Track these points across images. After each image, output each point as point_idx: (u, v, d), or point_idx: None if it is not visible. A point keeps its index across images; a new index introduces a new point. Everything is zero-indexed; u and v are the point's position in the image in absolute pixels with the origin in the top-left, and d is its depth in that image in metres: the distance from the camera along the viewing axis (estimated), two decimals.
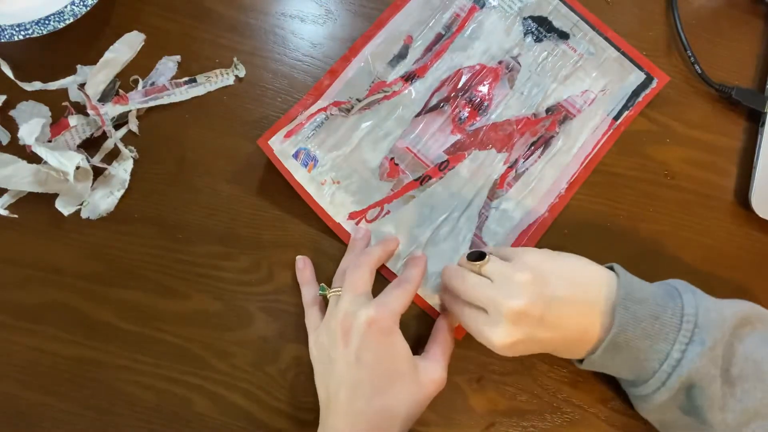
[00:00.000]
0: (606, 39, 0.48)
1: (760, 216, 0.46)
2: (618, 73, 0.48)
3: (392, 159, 0.46)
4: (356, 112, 0.46)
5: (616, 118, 0.47)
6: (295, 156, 0.45)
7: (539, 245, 0.45)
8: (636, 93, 0.48)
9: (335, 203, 0.45)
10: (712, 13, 0.51)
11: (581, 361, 0.39)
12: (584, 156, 0.47)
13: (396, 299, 0.38)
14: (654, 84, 0.48)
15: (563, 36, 0.48)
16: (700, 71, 0.49)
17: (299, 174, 0.44)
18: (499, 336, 0.36)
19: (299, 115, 0.45)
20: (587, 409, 0.43)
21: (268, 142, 0.44)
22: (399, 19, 0.48)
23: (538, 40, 0.48)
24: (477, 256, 0.39)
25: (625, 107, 0.47)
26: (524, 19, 0.48)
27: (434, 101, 0.47)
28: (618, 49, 0.48)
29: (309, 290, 0.43)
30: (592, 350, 0.37)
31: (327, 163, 0.45)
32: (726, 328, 0.35)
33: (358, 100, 0.46)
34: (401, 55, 0.47)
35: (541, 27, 0.48)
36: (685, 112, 0.49)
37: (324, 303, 0.42)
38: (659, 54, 0.49)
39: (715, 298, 0.37)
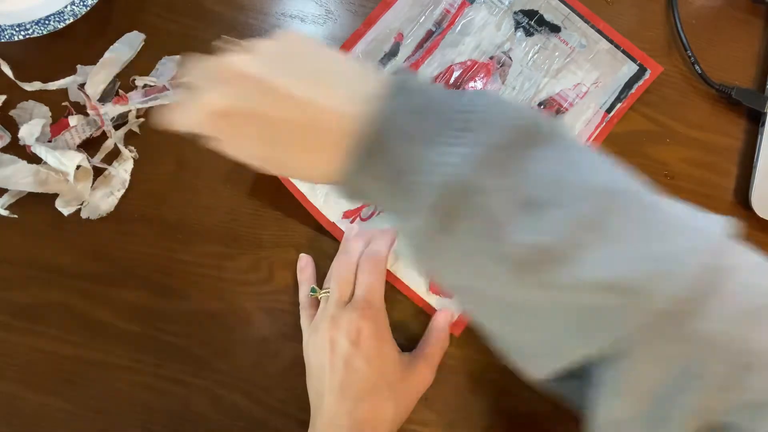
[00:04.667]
0: (598, 31, 0.48)
1: (760, 216, 0.46)
2: (610, 65, 0.48)
3: None
4: None
5: (608, 110, 0.47)
6: None
7: None
8: (629, 85, 0.47)
9: (329, 202, 0.45)
10: (712, 13, 0.51)
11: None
12: None
13: (374, 291, 0.39)
14: (647, 75, 0.47)
15: (554, 29, 0.48)
16: (700, 71, 0.49)
17: None
18: (203, 99, 0.28)
19: None
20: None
21: None
22: (389, 16, 0.48)
23: (529, 34, 0.48)
24: None
25: (617, 99, 0.47)
26: (515, 13, 0.48)
27: None
28: (610, 41, 0.48)
29: (306, 290, 0.43)
30: (342, 156, 0.26)
31: None
32: (508, 129, 0.25)
33: None
34: (392, 53, 0.47)
35: (532, 21, 0.48)
36: (685, 112, 0.49)
37: (318, 303, 0.42)
38: (659, 54, 0.49)
39: (516, 102, 0.27)
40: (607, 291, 0.23)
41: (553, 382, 0.29)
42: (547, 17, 0.48)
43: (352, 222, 0.44)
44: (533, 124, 0.25)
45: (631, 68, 0.48)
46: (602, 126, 0.47)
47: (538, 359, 0.28)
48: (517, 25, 0.48)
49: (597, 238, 0.24)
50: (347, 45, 0.47)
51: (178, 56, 0.47)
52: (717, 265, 0.24)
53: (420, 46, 0.48)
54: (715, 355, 0.23)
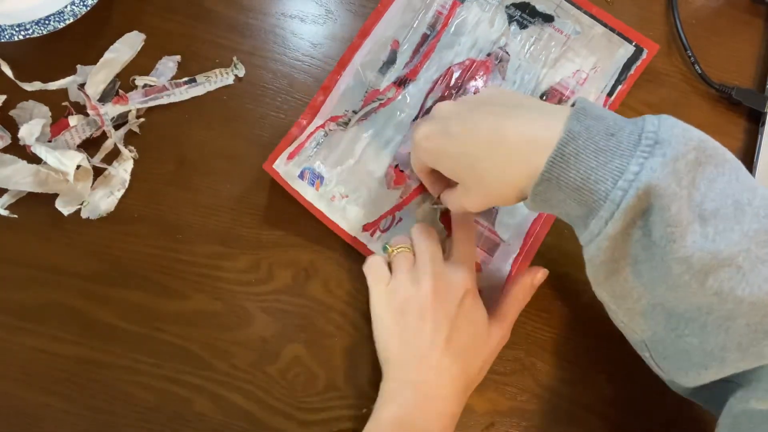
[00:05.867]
0: (591, 16, 0.48)
1: None
2: (607, 49, 0.48)
3: (396, 166, 0.45)
4: (354, 124, 0.46)
5: (609, 94, 0.47)
6: (301, 176, 0.45)
7: (552, 232, 0.45)
8: (627, 66, 0.47)
9: (348, 218, 0.44)
10: (712, 13, 0.51)
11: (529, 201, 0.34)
12: None
13: (473, 256, 0.42)
14: (644, 55, 0.47)
15: (548, 19, 0.48)
16: (700, 71, 0.49)
17: (308, 193, 0.44)
18: (418, 129, 0.37)
19: (299, 136, 0.45)
20: (588, 410, 0.43)
21: (273, 166, 0.44)
22: (383, 25, 0.48)
23: (523, 26, 0.48)
24: None
25: (617, 82, 0.47)
26: (507, 7, 0.48)
27: (429, 103, 0.46)
28: (605, 24, 0.48)
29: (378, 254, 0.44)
30: (535, 170, 0.31)
31: (333, 179, 0.45)
32: (691, 145, 0.28)
33: (355, 112, 0.46)
34: (390, 61, 0.47)
35: (525, 13, 0.48)
36: (685, 112, 0.49)
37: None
38: (659, 54, 0.49)
39: (690, 126, 0.31)
40: None
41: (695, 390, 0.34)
42: (539, 8, 0.48)
43: (372, 235, 0.44)
44: (708, 144, 0.29)
45: (627, 50, 0.47)
46: None
47: (695, 371, 0.31)
48: (510, 19, 0.48)
49: None
50: (345, 58, 0.47)
51: (178, 56, 0.47)
52: None
53: (417, 51, 0.47)
54: None
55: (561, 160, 0.30)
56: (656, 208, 0.28)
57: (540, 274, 0.42)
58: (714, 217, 0.28)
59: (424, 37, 0.48)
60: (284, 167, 0.44)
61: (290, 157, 0.45)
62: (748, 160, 0.48)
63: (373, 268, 0.42)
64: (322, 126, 0.45)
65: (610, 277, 0.31)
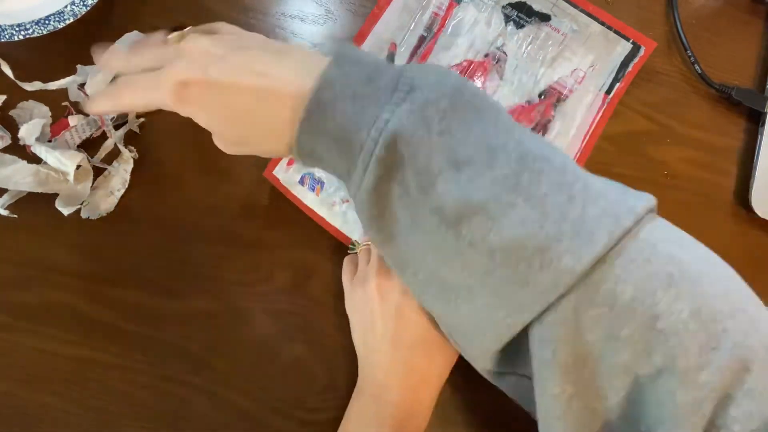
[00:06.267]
0: (588, 14, 0.48)
1: (760, 216, 0.46)
2: (604, 47, 0.47)
3: None
4: None
5: (608, 92, 0.47)
6: (301, 182, 0.45)
7: None
8: (625, 64, 0.47)
9: (348, 222, 0.44)
10: (712, 13, 0.51)
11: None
12: (582, 135, 0.46)
13: None
14: (641, 52, 0.47)
15: (544, 18, 0.48)
16: (700, 71, 0.49)
17: (308, 199, 0.44)
18: (169, 70, 0.30)
19: None
20: None
21: (273, 173, 0.44)
22: (380, 27, 0.47)
23: (519, 26, 0.48)
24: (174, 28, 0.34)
25: (616, 80, 0.47)
26: (503, 7, 0.48)
27: None
28: (602, 22, 0.48)
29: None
30: (296, 120, 0.29)
31: (333, 184, 0.45)
32: (444, 92, 0.28)
33: None
34: None
35: (521, 12, 0.48)
36: (685, 112, 0.49)
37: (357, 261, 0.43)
38: (659, 54, 0.49)
39: (453, 71, 0.31)
40: (523, 249, 0.26)
41: (499, 378, 0.33)
42: (536, 7, 0.48)
43: None
44: (466, 90, 0.28)
45: (624, 47, 0.47)
46: (604, 108, 0.47)
47: (477, 339, 0.30)
48: (507, 19, 0.48)
49: (520, 199, 0.26)
50: None
51: None
52: (628, 233, 0.26)
53: (414, 53, 0.47)
54: (629, 317, 0.25)
55: (318, 109, 0.28)
56: (407, 158, 0.27)
57: None
58: (468, 164, 0.27)
59: (422, 39, 0.47)
60: (284, 174, 0.44)
61: (290, 163, 0.45)
62: (748, 160, 0.48)
63: (344, 266, 0.43)
64: None
65: (384, 244, 0.30)
